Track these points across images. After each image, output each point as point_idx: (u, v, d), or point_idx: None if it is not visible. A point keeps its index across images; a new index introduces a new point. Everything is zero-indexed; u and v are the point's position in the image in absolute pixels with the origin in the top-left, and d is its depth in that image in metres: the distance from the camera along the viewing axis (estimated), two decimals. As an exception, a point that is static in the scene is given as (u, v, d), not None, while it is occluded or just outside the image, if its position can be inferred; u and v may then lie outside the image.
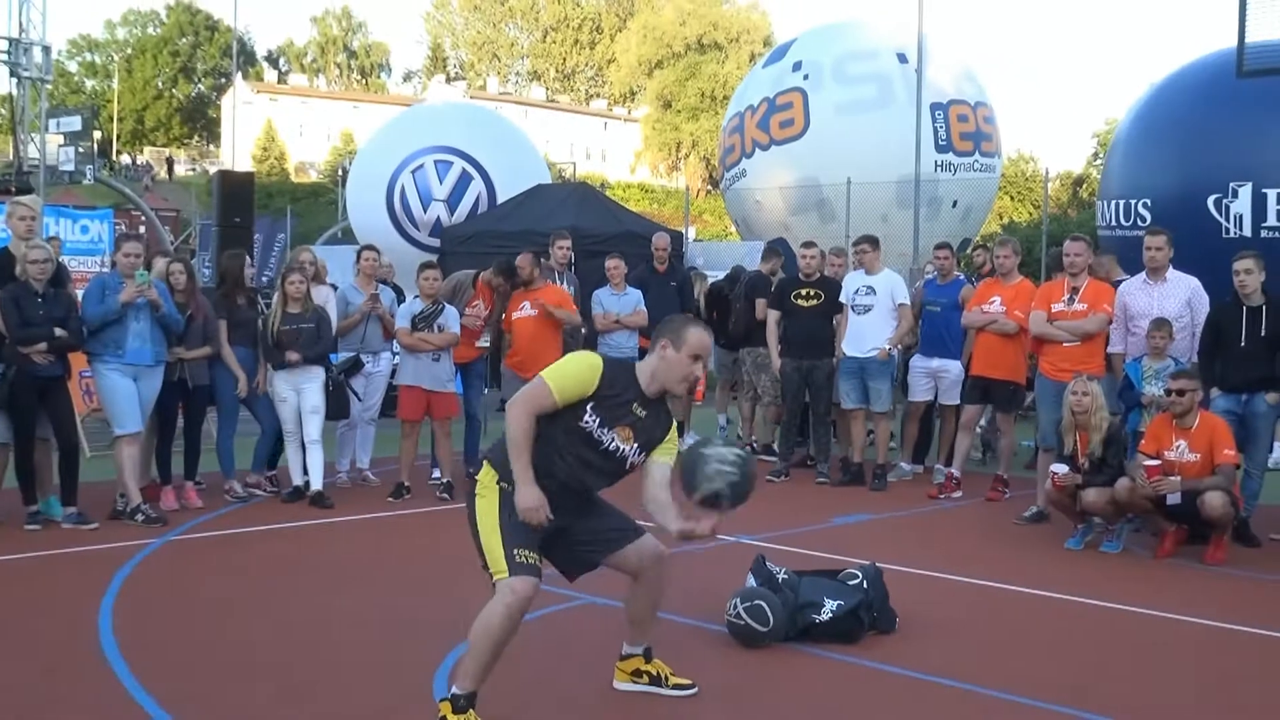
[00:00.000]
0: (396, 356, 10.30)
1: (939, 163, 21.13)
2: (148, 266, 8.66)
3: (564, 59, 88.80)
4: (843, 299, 10.43)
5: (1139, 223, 13.99)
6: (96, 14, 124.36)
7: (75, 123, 25.74)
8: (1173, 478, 7.62)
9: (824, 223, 20.63)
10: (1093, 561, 7.79)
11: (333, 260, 14.42)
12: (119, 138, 72.73)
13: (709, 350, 4.66)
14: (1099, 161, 39.59)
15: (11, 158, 26.57)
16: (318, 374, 9.23)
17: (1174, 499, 7.63)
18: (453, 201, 19.83)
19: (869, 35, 22.86)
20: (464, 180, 20.01)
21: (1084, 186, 46.00)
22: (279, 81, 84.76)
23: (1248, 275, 8.26)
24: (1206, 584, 7.24)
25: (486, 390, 11.39)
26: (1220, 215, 13.38)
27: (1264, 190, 13.22)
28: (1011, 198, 45.92)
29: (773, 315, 10.78)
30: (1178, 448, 7.78)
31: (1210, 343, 8.42)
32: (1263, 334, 8.18)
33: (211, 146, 78.06)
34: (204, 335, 8.96)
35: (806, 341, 10.51)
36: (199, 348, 8.92)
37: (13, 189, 20.86)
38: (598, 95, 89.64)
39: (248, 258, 9.68)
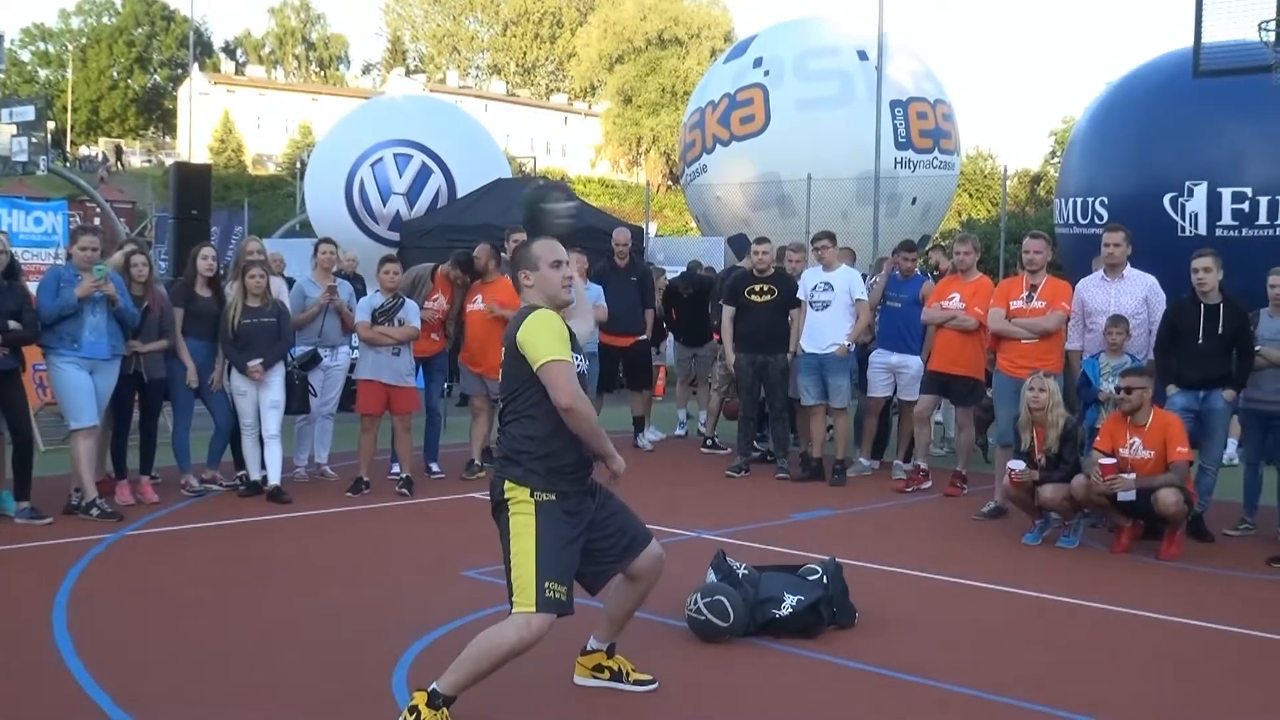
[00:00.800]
0: (355, 351, 10.25)
1: (899, 160, 21.21)
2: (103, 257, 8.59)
3: (524, 53, 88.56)
4: (801, 295, 10.46)
5: (1096, 220, 14.13)
6: (51, 3, 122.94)
7: (28, 113, 25.34)
8: (1126, 476, 7.70)
9: (784, 219, 20.68)
10: (1050, 557, 7.85)
11: (291, 254, 14.32)
12: (73, 128, 71.95)
13: (559, 250, 4.58)
14: (1056, 160, 39.92)
15: (-37, 148, 26.17)
16: (278, 368, 9.16)
17: (1128, 496, 7.71)
18: (412, 195, 19.73)
19: (830, 32, 22.93)
20: (424, 174, 19.91)
21: (1042, 184, 46.33)
22: (236, 73, 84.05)
23: (1206, 273, 8.34)
24: (1162, 579, 7.32)
25: (447, 385, 11.34)
26: (1176, 214, 13.53)
27: (1219, 189, 13.38)
28: (970, 195, 46.20)
29: (727, 311, 10.80)
30: (1132, 445, 7.85)
31: (1167, 339, 8.50)
32: (1219, 332, 8.26)
33: (168, 138, 77.33)
34: (160, 328, 8.89)
35: (761, 336, 10.53)
36: (155, 341, 8.85)
37: (-36, 180, 20.59)
38: (558, 90, 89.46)
39: (206, 249, 9.55)
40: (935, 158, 22.22)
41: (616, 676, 4.96)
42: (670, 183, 58.92)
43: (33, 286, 8.46)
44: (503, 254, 10.88)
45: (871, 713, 4.84)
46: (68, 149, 65.65)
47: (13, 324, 7.86)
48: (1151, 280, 8.93)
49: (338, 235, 13.36)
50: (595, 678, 4.98)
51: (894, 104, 20.97)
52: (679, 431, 13.16)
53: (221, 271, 10.02)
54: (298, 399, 9.39)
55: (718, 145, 22.49)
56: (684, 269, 13.64)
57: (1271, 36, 11.91)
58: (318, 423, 10.03)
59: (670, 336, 13.28)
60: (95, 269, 8.17)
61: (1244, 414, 8.76)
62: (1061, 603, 6.66)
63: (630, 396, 12.57)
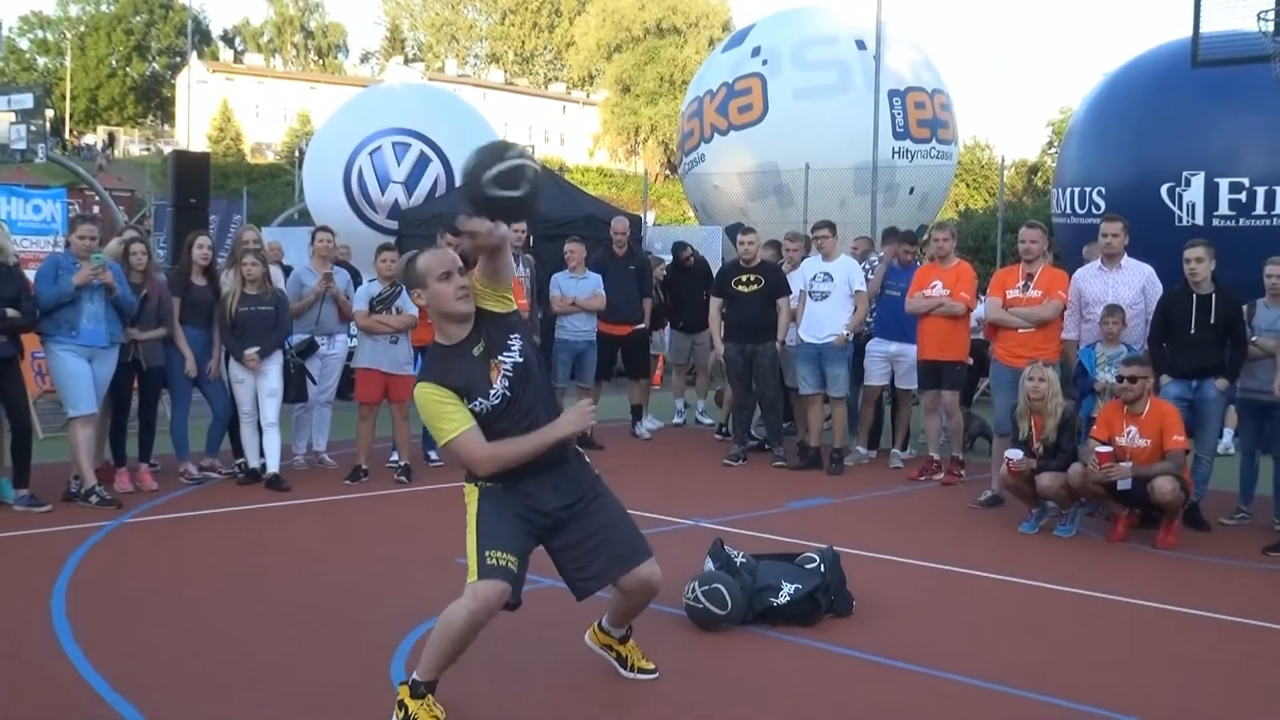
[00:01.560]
0: (353, 339, 10.25)
1: (896, 149, 21.20)
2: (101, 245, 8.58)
3: (523, 42, 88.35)
4: (800, 285, 10.46)
5: (1093, 210, 14.11)
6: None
7: (27, 100, 25.29)
8: (1124, 464, 7.70)
9: (782, 208, 20.68)
10: (1047, 545, 7.86)
11: (289, 241, 14.31)
12: (72, 116, 71.78)
13: (448, 260, 4.38)
14: (1054, 150, 39.85)
15: (-39, 136, 26.11)
16: (276, 356, 9.16)
17: (1125, 484, 7.71)
18: (411, 184, 19.71)
19: (828, 21, 22.89)
20: (422, 162, 19.88)
21: (1039, 174, 46.27)
22: (235, 61, 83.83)
23: (1198, 264, 8.34)
24: (1158, 567, 7.32)
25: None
26: (1173, 204, 13.51)
27: (1216, 179, 13.35)
28: (968, 185, 46.16)
29: (714, 302, 10.80)
30: (1129, 433, 7.85)
31: (1160, 329, 8.50)
32: (1212, 321, 8.27)
33: (166, 126, 77.09)
34: (158, 316, 8.89)
35: (748, 326, 10.53)
36: (153, 329, 8.84)
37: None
38: (556, 79, 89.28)
39: (201, 237, 9.55)
40: (933, 147, 22.21)
41: (621, 661, 4.97)
42: (668, 172, 58.87)
43: (31, 274, 8.43)
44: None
45: (868, 700, 4.85)
46: (66, 137, 65.48)
47: (10, 311, 7.84)
48: (1149, 270, 8.93)
49: (336, 224, 13.35)
50: (603, 651, 5.00)
51: (892, 93, 20.95)
52: (677, 420, 13.16)
53: (221, 259, 10.02)
54: (295, 387, 9.39)
55: (716, 134, 22.47)
56: (675, 256, 13.57)
57: (1270, 26, 11.89)
58: (316, 411, 10.03)
59: (668, 325, 13.28)
60: (93, 257, 8.16)
61: (1240, 403, 8.77)
62: (1058, 591, 6.66)
63: (628, 385, 12.58)
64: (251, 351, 8.96)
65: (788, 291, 10.51)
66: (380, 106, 21.89)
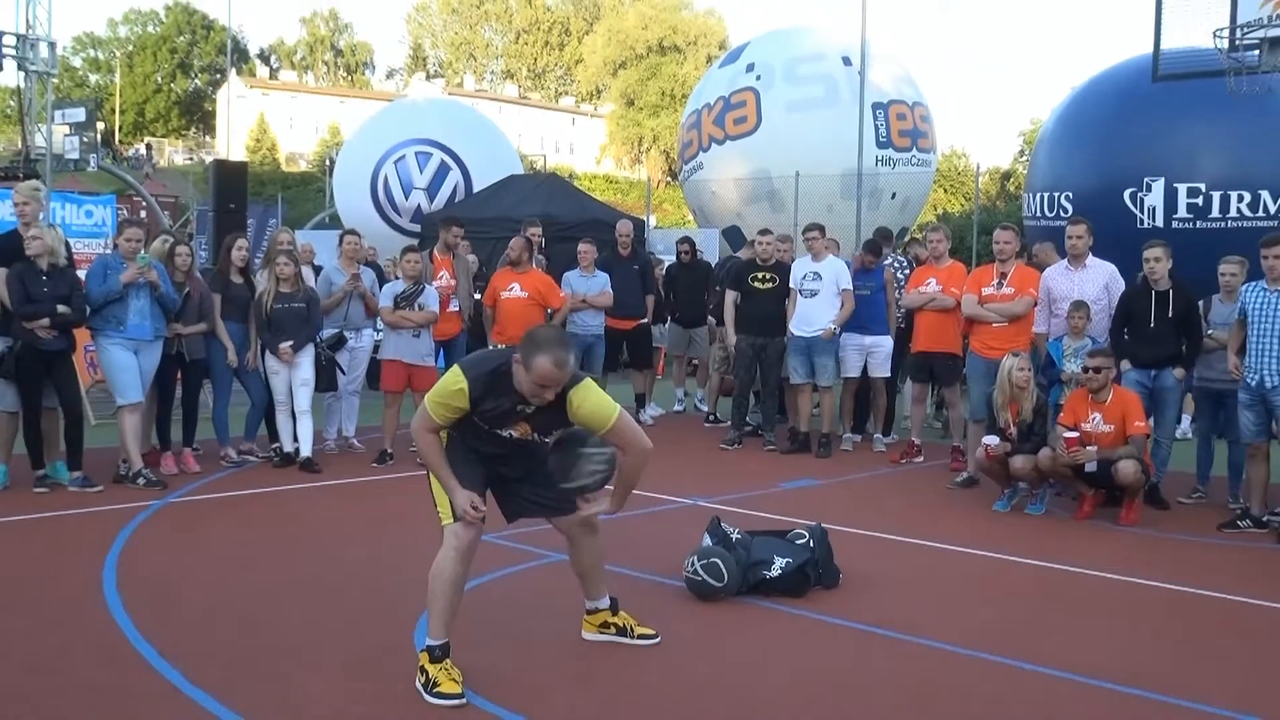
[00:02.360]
0: (378, 333, 10.26)
1: (880, 158, 21.20)
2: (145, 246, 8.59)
3: (535, 59, 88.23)
4: (791, 284, 10.45)
5: (1061, 213, 14.10)
6: (99, 13, 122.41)
7: (79, 114, 25.32)
8: (1089, 449, 7.70)
9: (774, 212, 20.67)
10: (1019, 522, 7.85)
11: (320, 244, 14.31)
12: (121, 129, 71.72)
13: (555, 380, 4.17)
14: (1025, 158, 39.80)
15: (20, 147, 26.12)
16: (308, 349, 9.16)
17: (1090, 466, 7.71)
18: (432, 190, 19.74)
19: (817, 39, 22.88)
20: (443, 170, 19.91)
21: (1011, 180, 46.21)
22: (270, 77, 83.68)
23: (1156, 263, 8.33)
24: (1121, 543, 7.31)
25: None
26: (1135, 207, 13.50)
27: (1175, 185, 13.34)
28: (945, 190, 46.11)
29: (730, 296, 10.78)
30: (1093, 420, 7.84)
31: (1121, 322, 8.49)
32: (1169, 316, 8.26)
33: (208, 138, 76.96)
34: (199, 312, 8.90)
35: (762, 321, 10.53)
36: (195, 324, 8.85)
37: (21, 176, 20.57)
38: (566, 93, 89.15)
39: (240, 239, 9.59)
40: (913, 156, 22.20)
41: (622, 632, 4.96)
42: (669, 179, 58.81)
43: (82, 274, 8.44)
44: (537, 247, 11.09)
45: (855, 665, 4.84)
46: (116, 147, 65.43)
47: (61, 308, 7.85)
48: (1112, 268, 8.92)
49: (363, 227, 13.35)
50: (602, 633, 4.98)
51: (876, 106, 20.93)
52: (677, 408, 13.15)
53: (257, 260, 10.04)
54: (326, 378, 9.40)
55: (713, 144, 22.47)
56: (675, 251, 13.59)
57: (1225, 44, 11.88)
58: (345, 399, 10.03)
59: (668, 319, 13.27)
60: (139, 257, 8.18)
61: (1197, 392, 8.77)
62: (1029, 564, 6.65)
63: (633, 375, 12.58)
64: (285, 345, 8.96)
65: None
66: (404, 119, 21.93)
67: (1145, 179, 13.47)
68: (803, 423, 10.59)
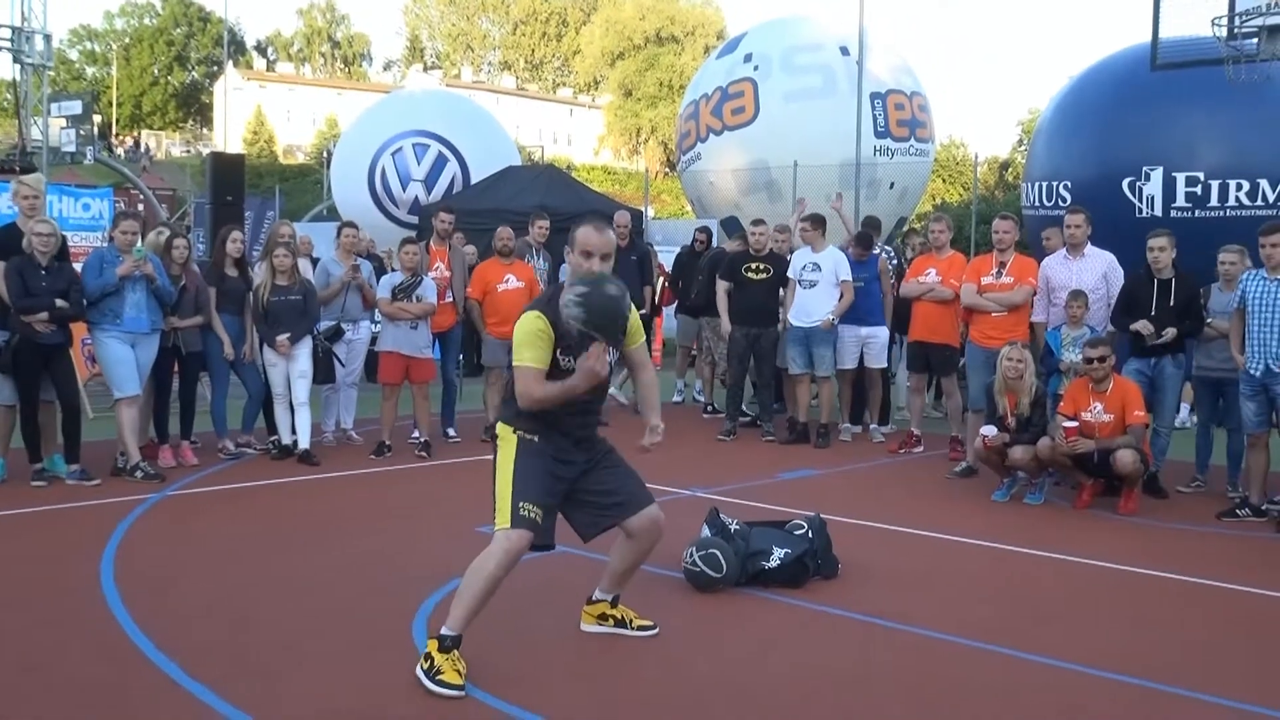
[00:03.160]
0: (376, 325, 10.24)
1: (878, 148, 21.14)
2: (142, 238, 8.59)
3: (533, 50, 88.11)
4: (790, 274, 10.43)
5: (1060, 203, 14.05)
6: (96, 5, 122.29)
7: (76, 107, 25.30)
8: (1087, 439, 7.69)
9: (772, 202, 20.62)
10: (1018, 512, 7.84)
11: (318, 236, 14.28)
12: (118, 122, 71.61)
13: (600, 245, 4.45)
14: (1023, 147, 39.75)
15: (16, 139, 26.07)
16: (305, 341, 9.14)
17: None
18: (430, 181, 19.70)
19: (814, 29, 22.82)
20: (440, 162, 19.87)
21: (1009, 170, 46.19)
22: (267, 70, 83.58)
23: (1161, 252, 8.32)
24: (1121, 532, 7.30)
25: (461, 357, 11.32)
26: (1134, 196, 13.46)
27: (1173, 174, 13.30)
28: (944, 180, 46.06)
29: (722, 286, 10.76)
30: (1094, 409, 7.83)
31: (1124, 308, 8.47)
32: (1171, 304, 8.24)
33: (205, 130, 76.91)
34: (196, 305, 8.88)
35: (755, 311, 10.52)
36: (191, 317, 8.84)
37: (17, 169, 20.53)
38: (564, 84, 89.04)
39: (235, 231, 9.56)
40: (912, 146, 22.15)
41: (620, 624, 4.96)
42: (667, 169, 58.75)
43: (79, 267, 8.42)
44: (523, 237, 11.02)
45: (854, 656, 4.83)
46: (113, 141, 65.32)
47: (59, 302, 7.83)
48: (1110, 258, 8.90)
49: (361, 219, 13.30)
50: (600, 625, 4.97)
51: (874, 96, 20.88)
52: (676, 399, 13.13)
53: (255, 252, 10.02)
54: (323, 369, 9.38)
55: (711, 135, 22.42)
56: (679, 248, 13.58)
57: (1224, 32, 11.85)
58: (343, 391, 10.02)
59: (674, 307, 13.22)
60: (135, 251, 8.17)
61: (1196, 380, 8.75)
62: (1027, 554, 6.64)
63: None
64: (283, 337, 8.95)
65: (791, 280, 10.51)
66: (401, 111, 21.88)
67: (1144, 168, 13.43)
68: (801, 413, 10.59)
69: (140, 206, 26.24)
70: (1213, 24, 11.96)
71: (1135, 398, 7.80)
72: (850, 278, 10.30)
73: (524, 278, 10.18)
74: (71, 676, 4.35)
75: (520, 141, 39.19)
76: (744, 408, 11.26)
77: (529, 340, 4.39)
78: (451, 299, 10.29)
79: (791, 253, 10.75)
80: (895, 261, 11.22)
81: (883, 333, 10.61)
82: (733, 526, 5.93)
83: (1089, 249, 8.93)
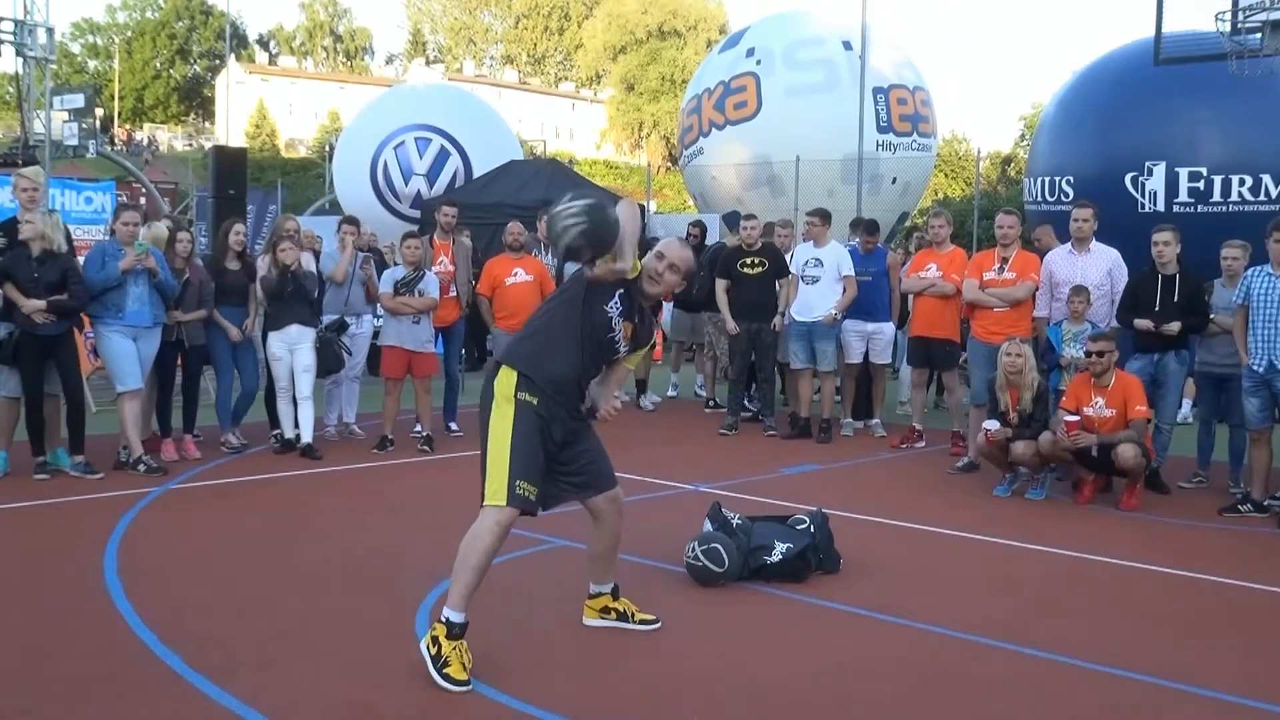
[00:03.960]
0: (379, 320, 10.25)
1: (880, 142, 21.13)
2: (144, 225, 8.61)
3: (535, 44, 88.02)
4: (792, 269, 10.43)
5: (1063, 198, 14.03)
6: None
7: (78, 100, 25.23)
8: (1089, 434, 7.69)
9: (774, 197, 20.62)
10: (1019, 507, 7.84)
11: (321, 229, 14.29)
12: (120, 115, 71.58)
13: (684, 260, 4.70)
14: (1026, 142, 39.71)
15: (18, 133, 26.06)
16: (309, 335, 9.15)
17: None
18: (432, 175, 19.69)
19: (817, 24, 22.79)
20: (442, 156, 19.86)
21: (1012, 165, 46.11)
22: (270, 63, 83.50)
23: (1165, 247, 8.31)
24: (1122, 527, 7.31)
25: (464, 352, 11.33)
26: (1136, 192, 13.43)
27: (1176, 169, 13.28)
28: (946, 175, 46.01)
29: (721, 283, 10.76)
30: (1095, 404, 7.83)
31: (1129, 304, 8.46)
32: (1175, 299, 8.24)
33: (207, 124, 76.80)
34: (199, 299, 8.88)
35: (753, 306, 10.52)
36: (194, 311, 8.84)
37: (19, 162, 20.52)
38: (566, 78, 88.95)
39: (238, 224, 9.57)
40: (914, 140, 22.13)
41: (622, 617, 4.96)
42: (669, 164, 58.69)
43: (81, 260, 8.43)
44: (532, 233, 11.06)
45: (856, 650, 4.83)
46: (115, 134, 65.26)
47: (57, 297, 7.85)
48: (1115, 254, 8.89)
49: (363, 213, 13.32)
50: (603, 619, 4.98)
51: (876, 91, 20.86)
52: (671, 393, 13.14)
53: (258, 245, 10.03)
54: (329, 360, 9.37)
55: (713, 129, 22.40)
56: (685, 233, 13.56)
57: (1227, 27, 11.82)
58: (345, 385, 10.03)
59: (672, 303, 13.22)
60: (136, 245, 8.17)
61: (1199, 376, 8.75)
62: (1029, 549, 6.65)
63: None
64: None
65: (788, 273, 10.51)
66: (403, 105, 21.87)
67: (1146, 163, 13.40)
68: (803, 408, 10.59)
69: (142, 200, 26.22)
70: (1216, 19, 11.93)
71: (1137, 393, 7.80)
72: (853, 272, 10.30)
73: (533, 271, 10.24)
74: (75, 668, 4.36)
75: (522, 136, 39.14)
76: (745, 403, 11.26)
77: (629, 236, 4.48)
78: (455, 293, 10.31)
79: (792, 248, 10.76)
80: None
81: (888, 328, 10.60)
82: (735, 521, 5.93)
83: (1094, 244, 8.91)
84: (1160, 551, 6.63)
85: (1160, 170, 13.34)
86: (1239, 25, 11.89)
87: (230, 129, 51.78)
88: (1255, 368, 7.54)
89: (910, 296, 10.35)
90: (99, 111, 41.90)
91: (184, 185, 38.74)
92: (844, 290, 10.25)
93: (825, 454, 9.75)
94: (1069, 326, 8.57)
